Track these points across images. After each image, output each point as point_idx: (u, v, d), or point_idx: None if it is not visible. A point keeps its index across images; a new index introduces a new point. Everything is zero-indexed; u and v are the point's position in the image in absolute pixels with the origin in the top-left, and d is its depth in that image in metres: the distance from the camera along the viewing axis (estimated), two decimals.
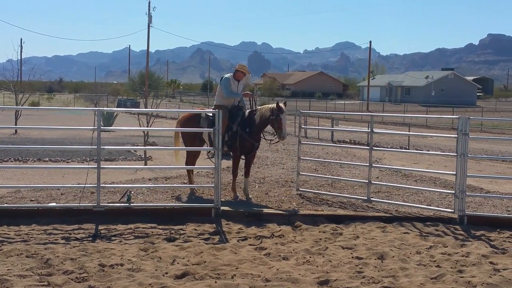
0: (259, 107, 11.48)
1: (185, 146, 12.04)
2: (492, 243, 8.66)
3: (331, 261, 7.48)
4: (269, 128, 11.44)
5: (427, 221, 9.78)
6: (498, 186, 13.87)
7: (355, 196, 11.54)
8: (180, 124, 11.77)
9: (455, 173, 10.05)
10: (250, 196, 11.17)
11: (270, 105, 11.26)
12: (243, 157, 11.46)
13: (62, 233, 8.72)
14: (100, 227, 9.07)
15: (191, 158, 11.95)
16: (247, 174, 11.45)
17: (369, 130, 11.22)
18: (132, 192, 11.06)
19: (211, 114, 11.09)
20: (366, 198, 11.12)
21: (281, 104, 10.94)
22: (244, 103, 11.76)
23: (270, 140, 11.71)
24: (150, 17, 54.70)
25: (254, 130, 11.19)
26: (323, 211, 10.34)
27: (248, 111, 11.41)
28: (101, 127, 10.00)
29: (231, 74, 11.56)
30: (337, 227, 9.40)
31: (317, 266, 7.27)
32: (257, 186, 12.44)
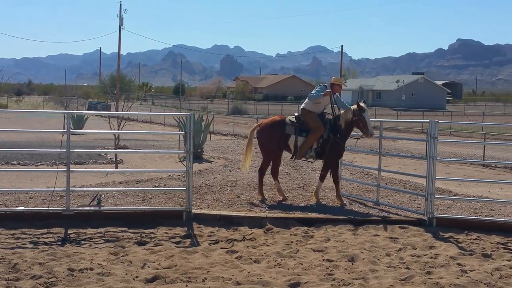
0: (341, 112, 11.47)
1: (263, 152, 11.81)
2: (460, 244, 8.79)
3: (302, 264, 7.51)
4: None
5: (397, 223, 9.88)
6: (466, 188, 14.08)
7: (366, 199, 11.81)
8: (261, 131, 11.61)
9: (425, 175, 10.20)
10: (344, 202, 11.33)
11: (351, 107, 11.28)
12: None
13: (30, 237, 8.60)
14: (69, 231, 8.97)
15: (268, 164, 11.77)
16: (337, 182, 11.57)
17: (379, 136, 11.64)
18: (102, 196, 10.95)
19: (295, 120, 11.39)
20: (375, 200, 11.48)
21: (362, 104, 11.03)
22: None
23: (357, 137, 11.62)
24: (121, 19, 54.20)
25: (343, 135, 11.31)
26: (294, 213, 10.39)
27: (334, 117, 11.45)
28: (71, 130, 9.91)
29: (328, 84, 11.55)
30: (308, 229, 9.44)
31: (288, 269, 7.29)
32: (228, 189, 12.42)
